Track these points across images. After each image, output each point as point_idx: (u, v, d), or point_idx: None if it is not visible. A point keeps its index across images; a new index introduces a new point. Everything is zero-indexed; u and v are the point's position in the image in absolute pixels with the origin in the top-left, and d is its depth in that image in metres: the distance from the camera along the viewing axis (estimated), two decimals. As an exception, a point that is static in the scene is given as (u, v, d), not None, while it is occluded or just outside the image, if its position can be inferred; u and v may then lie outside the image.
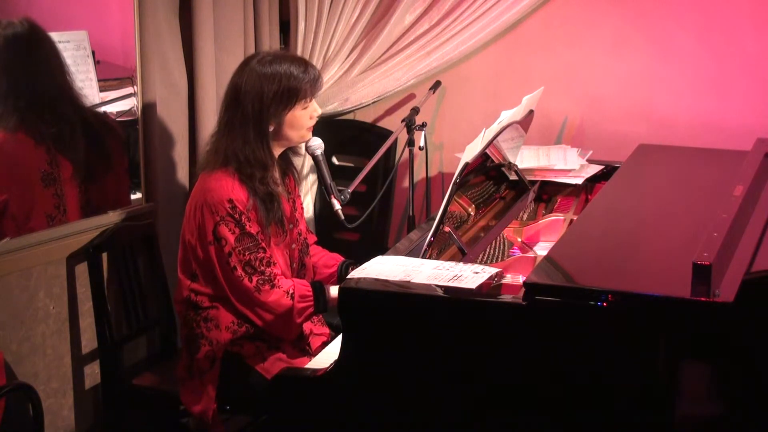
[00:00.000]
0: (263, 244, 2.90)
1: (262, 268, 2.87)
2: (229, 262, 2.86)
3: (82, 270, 3.28)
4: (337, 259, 3.23)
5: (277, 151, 2.99)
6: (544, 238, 3.29)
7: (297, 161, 3.30)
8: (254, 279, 2.87)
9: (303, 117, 2.95)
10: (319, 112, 3.01)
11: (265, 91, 2.87)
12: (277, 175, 2.99)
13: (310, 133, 3.01)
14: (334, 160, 4.28)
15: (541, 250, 3.13)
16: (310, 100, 2.95)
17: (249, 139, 2.89)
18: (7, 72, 3.30)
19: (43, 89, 3.33)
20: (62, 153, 3.35)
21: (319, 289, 2.93)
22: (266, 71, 2.89)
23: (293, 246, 3.06)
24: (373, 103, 4.24)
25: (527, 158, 3.67)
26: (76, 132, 3.39)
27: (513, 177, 3.50)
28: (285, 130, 2.94)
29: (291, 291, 2.89)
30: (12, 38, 3.30)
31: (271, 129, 2.92)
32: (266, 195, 2.91)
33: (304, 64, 2.95)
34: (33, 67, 3.32)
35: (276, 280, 2.89)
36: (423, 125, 3.73)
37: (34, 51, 3.34)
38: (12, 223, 3.24)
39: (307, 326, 3.04)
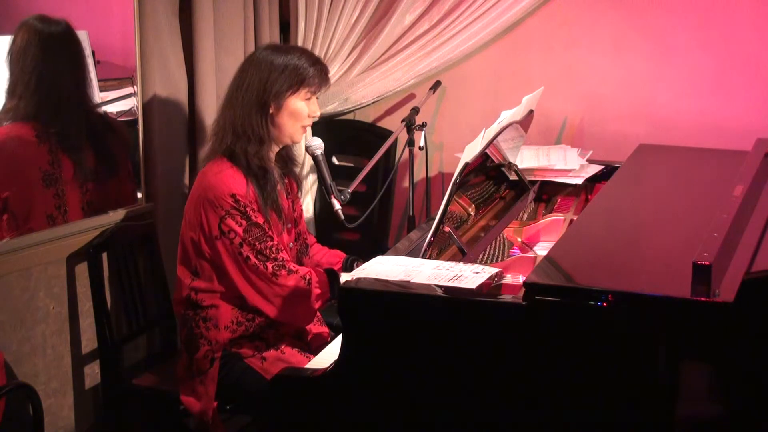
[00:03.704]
0: (270, 233, 2.91)
1: (274, 255, 2.89)
2: (242, 252, 2.87)
3: (82, 270, 3.28)
4: (339, 255, 3.24)
5: (273, 149, 3.00)
6: (544, 238, 3.29)
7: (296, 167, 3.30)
8: (269, 266, 2.88)
9: (302, 110, 2.95)
10: (318, 114, 3.02)
11: (274, 66, 2.91)
12: (272, 154, 2.99)
13: (303, 135, 3.02)
14: (334, 160, 4.28)
15: (541, 250, 3.13)
16: (314, 94, 2.96)
17: (249, 110, 2.91)
18: (32, 69, 3.27)
19: (61, 90, 3.31)
20: (64, 153, 3.34)
21: (332, 275, 2.95)
22: (277, 54, 2.94)
23: (291, 246, 3.06)
24: (373, 103, 4.23)
25: (527, 158, 3.67)
26: (80, 133, 3.39)
27: (513, 177, 3.50)
28: (282, 117, 2.94)
29: (308, 277, 2.90)
30: (48, 36, 3.29)
31: (271, 111, 2.92)
32: (260, 170, 2.92)
33: (316, 57, 3.00)
34: (59, 68, 3.31)
35: (290, 266, 2.90)
36: (423, 125, 3.73)
37: (65, 52, 3.34)
38: (12, 223, 3.24)
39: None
